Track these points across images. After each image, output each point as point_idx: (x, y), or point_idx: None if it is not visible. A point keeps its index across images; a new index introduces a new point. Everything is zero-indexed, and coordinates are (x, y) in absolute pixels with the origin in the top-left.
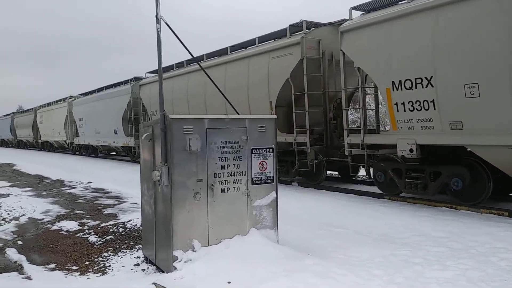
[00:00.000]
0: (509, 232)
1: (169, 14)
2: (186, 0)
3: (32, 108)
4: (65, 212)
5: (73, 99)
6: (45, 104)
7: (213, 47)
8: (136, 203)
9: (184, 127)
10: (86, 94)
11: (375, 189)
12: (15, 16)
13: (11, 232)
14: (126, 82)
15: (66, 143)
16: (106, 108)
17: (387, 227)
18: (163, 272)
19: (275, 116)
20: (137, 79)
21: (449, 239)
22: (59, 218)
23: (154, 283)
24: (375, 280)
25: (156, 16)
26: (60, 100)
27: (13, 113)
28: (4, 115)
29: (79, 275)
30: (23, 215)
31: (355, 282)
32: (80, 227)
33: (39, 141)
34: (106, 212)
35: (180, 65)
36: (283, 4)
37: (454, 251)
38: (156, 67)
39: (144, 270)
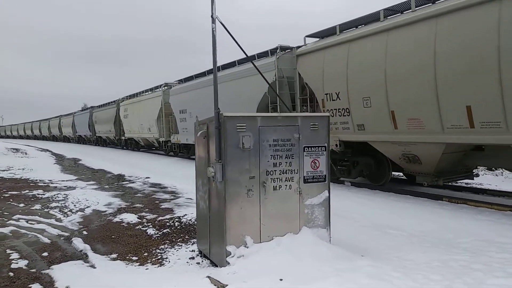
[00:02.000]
0: None
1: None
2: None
3: (114, 101)
4: (125, 205)
5: (169, 87)
6: (130, 96)
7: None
8: (191, 198)
9: (238, 124)
10: (187, 79)
11: (432, 190)
12: (87, 20)
13: (77, 222)
14: (272, 51)
15: (159, 141)
16: (237, 91)
17: (445, 231)
18: (216, 266)
19: (328, 114)
20: (283, 48)
21: None
22: (120, 210)
23: (208, 277)
24: (431, 284)
25: (212, 16)
26: (149, 89)
27: (91, 107)
28: (82, 109)
29: (139, 265)
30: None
31: (410, 286)
32: (139, 220)
33: (122, 138)
34: (163, 207)
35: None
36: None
37: None
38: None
39: (198, 263)
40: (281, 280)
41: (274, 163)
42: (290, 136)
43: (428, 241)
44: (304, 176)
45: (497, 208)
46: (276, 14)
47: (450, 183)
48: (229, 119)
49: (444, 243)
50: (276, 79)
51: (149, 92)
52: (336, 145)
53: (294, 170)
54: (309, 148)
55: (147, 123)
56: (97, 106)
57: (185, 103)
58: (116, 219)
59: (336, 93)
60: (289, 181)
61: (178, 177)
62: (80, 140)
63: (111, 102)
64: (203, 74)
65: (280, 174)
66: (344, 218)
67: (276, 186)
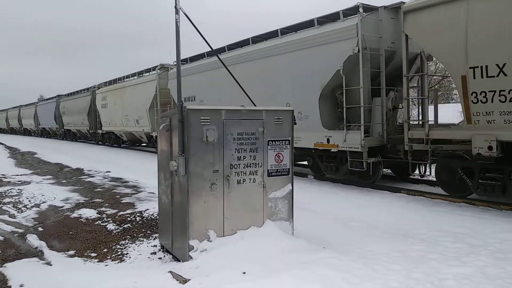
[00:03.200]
0: None
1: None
2: None
3: (88, 88)
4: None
5: (166, 69)
6: (109, 82)
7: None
8: (153, 193)
9: (202, 118)
10: (194, 59)
11: (407, 185)
12: (38, 7)
13: (32, 218)
14: (347, 13)
15: (149, 136)
16: (292, 68)
17: (404, 222)
18: (179, 261)
19: (291, 108)
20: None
21: (468, 235)
22: (78, 205)
23: (170, 272)
24: (391, 274)
25: (175, 7)
26: (138, 73)
27: (58, 95)
28: (47, 99)
29: (98, 262)
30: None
31: (371, 276)
32: (99, 215)
33: (99, 132)
34: (124, 201)
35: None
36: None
37: (473, 248)
38: None
39: (160, 258)
40: (244, 273)
41: (238, 156)
42: (254, 130)
43: (388, 232)
44: (268, 170)
45: (451, 200)
46: None
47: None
48: (192, 112)
49: (403, 234)
50: (359, 50)
51: (137, 77)
52: (490, 147)
53: (258, 163)
54: (273, 141)
55: (135, 114)
56: (65, 95)
57: (192, 88)
58: (74, 215)
59: (497, 65)
60: (253, 174)
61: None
62: (44, 133)
63: (84, 89)
64: (221, 50)
65: (244, 167)
66: (308, 211)
67: (240, 179)
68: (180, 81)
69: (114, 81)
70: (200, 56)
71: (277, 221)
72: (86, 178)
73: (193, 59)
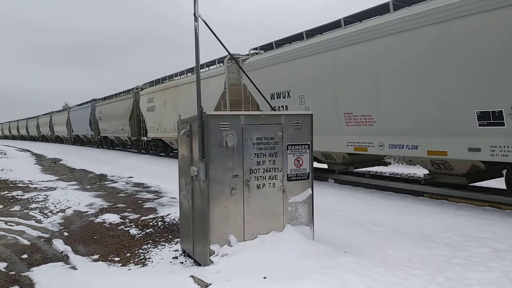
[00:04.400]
0: None
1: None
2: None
3: (130, 90)
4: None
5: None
6: (158, 80)
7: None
8: (174, 198)
9: (221, 123)
10: (280, 44)
11: (407, 186)
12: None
13: (58, 223)
14: None
15: None
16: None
17: (426, 226)
18: (200, 265)
19: (311, 113)
20: None
21: (493, 240)
22: (102, 210)
23: (192, 276)
24: (413, 280)
25: (194, 14)
26: (207, 64)
27: (93, 99)
28: (81, 104)
29: (121, 266)
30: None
31: (392, 281)
32: (122, 220)
33: (143, 139)
34: (146, 206)
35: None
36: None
37: (498, 252)
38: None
39: (182, 263)
40: (264, 278)
41: (257, 161)
42: (273, 135)
43: (410, 237)
44: (287, 174)
45: (477, 204)
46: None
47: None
48: (212, 117)
49: (425, 238)
50: None
51: (191, 74)
52: None
53: (277, 168)
54: (293, 146)
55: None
56: (101, 99)
57: (284, 80)
58: (98, 220)
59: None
60: (273, 179)
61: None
62: (77, 140)
63: (124, 91)
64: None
65: (263, 172)
66: (328, 215)
67: (259, 184)
68: (199, 88)
69: (163, 79)
70: (293, 39)
71: (297, 225)
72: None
73: (279, 43)
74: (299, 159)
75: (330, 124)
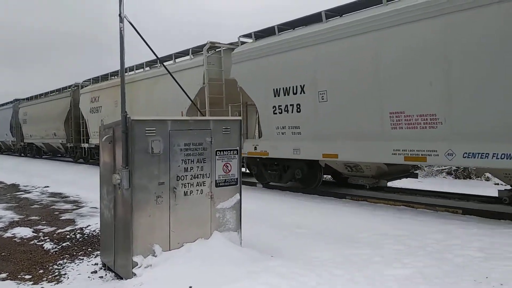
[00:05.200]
0: (462, 229)
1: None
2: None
3: (68, 87)
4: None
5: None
6: (99, 78)
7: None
8: (95, 208)
9: (147, 129)
10: (284, 27)
11: (350, 191)
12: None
13: None
14: None
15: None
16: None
17: (348, 227)
18: (122, 279)
19: (240, 118)
20: None
21: (408, 237)
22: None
23: None
24: (336, 280)
25: (120, 15)
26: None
27: (15, 100)
28: (1, 104)
29: (32, 284)
30: None
31: (317, 282)
32: (35, 234)
33: (84, 146)
34: (63, 218)
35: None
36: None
37: (412, 249)
38: None
39: (101, 277)
40: (190, 287)
41: (185, 167)
42: (202, 140)
43: (333, 238)
44: (216, 180)
45: (393, 204)
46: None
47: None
48: (137, 122)
49: (347, 238)
50: None
51: (155, 66)
52: None
53: (206, 174)
54: (222, 152)
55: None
56: (25, 99)
57: (296, 71)
58: (7, 234)
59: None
60: (201, 185)
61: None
62: None
63: (57, 90)
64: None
65: (191, 179)
66: (256, 220)
67: (187, 191)
68: (124, 88)
69: (112, 75)
70: (300, 23)
71: (225, 232)
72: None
73: (282, 28)
74: (227, 164)
75: (364, 127)
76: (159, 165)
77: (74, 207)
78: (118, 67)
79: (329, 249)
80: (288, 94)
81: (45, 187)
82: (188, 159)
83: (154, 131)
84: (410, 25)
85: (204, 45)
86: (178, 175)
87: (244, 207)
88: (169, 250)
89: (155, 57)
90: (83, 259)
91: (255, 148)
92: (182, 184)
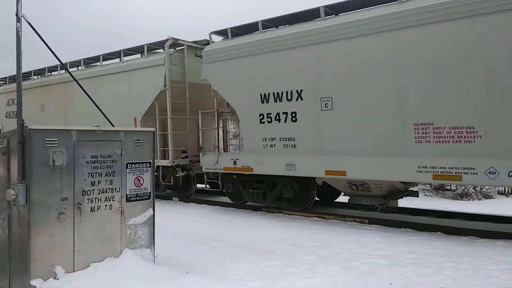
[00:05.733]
0: (368, 238)
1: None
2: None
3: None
4: None
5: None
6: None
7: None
8: None
9: (47, 139)
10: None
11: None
12: None
13: None
14: None
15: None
16: None
17: (264, 239)
18: None
19: (153, 129)
20: None
21: (319, 247)
22: None
23: None
24: None
25: (17, 14)
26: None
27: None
28: None
29: None
30: None
31: None
32: None
33: None
34: None
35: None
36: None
37: (323, 259)
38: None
39: None
40: None
41: (92, 181)
42: (111, 152)
43: (250, 250)
44: (127, 195)
45: (306, 215)
46: None
47: None
48: (36, 132)
49: (263, 250)
50: None
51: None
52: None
53: (115, 188)
54: (133, 164)
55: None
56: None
57: (291, 73)
58: None
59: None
60: (110, 200)
61: None
62: None
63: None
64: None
65: (99, 193)
66: (171, 234)
67: (94, 207)
68: (20, 95)
69: (37, 73)
70: (284, 21)
71: (137, 249)
72: None
73: (267, 25)
74: (139, 178)
75: (380, 141)
76: (62, 179)
77: None
78: (43, 65)
79: (246, 261)
80: (280, 100)
81: None
82: (96, 172)
83: (56, 142)
84: (449, 22)
85: (165, 41)
86: (84, 190)
87: (159, 222)
88: (73, 271)
89: (99, 54)
90: None
91: (235, 163)
92: (89, 199)
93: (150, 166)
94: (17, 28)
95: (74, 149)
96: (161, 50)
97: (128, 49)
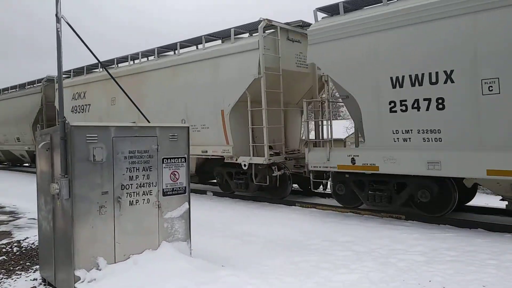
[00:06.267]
0: (406, 234)
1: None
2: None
3: (35, 82)
4: None
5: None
6: (84, 68)
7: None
8: (34, 219)
9: (88, 135)
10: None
11: (296, 197)
12: None
13: None
14: None
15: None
16: None
17: (298, 234)
18: None
19: (187, 125)
20: None
21: (354, 243)
22: None
23: None
24: (285, 287)
25: (56, 15)
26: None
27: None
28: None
29: None
30: None
31: None
32: None
33: None
34: None
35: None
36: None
37: (359, 254)
38: None
39: None
40: None
41: (130, 176)
42: (148, 148)
43: (283, 245)
44: (163, 189)
45: (340, 211)
46: None
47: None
48: (77, 129)
49: (297, 245)
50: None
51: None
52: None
53: (152, 183)
54: (169, 159)
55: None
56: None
57: (420, 55)
58: None
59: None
60: (147, 194)
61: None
62: None
63: (29, 84)
64: None
65: (137, 187)
66: (206, 229)
67: (132, 200)
68: (62, 93)
69: (104, 64)
70: None
71: (173, 242)
72: None
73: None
74: (175, 172)
75: None
76: (102, 173)
77: (11, 218)
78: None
79: (280, 256)
80: (420, 84)
81: None
82: (133, 167)
83: (96, 138)
84: None
85: (255, 23)
86: (123, 184)
87: (194, 216)
88: (115, 262)
89: (175, 42)
90: (20, 274)
91: (353, 160)
92: (127, 193)
93: (185, 161)
94: (57, 29)
95: (113, 145)
96: (244, 35)
97: (209, 35)
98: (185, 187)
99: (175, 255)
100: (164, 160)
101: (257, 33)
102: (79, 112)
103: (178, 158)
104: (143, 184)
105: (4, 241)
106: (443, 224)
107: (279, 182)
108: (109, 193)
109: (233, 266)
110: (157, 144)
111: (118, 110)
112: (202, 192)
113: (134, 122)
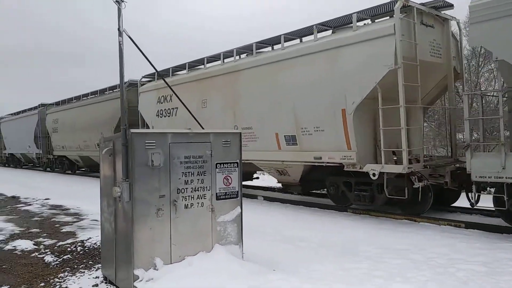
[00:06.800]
0: (465, 243)
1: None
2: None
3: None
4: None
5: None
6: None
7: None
8: (96, 220)
9: (147, 141)
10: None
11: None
12: None
13: None
14: None
15: None
16: None
17: (350, 240)
18: None
19: (239, 131)
20: None
21: (410, 251)
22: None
23: None
24: None
25: (119, 29)
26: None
27: (42, 104)
28: (23, 111)
29: None
30: None
31: None
32: (36, 246)
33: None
34: (64, 230)
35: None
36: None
37: (415, 263)
38: None
39: None
40: None
41: (185, 180)
42: (202, 153)
43: (334, 251)
44: (216, 193)
45: (395, 218)
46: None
47: None
48: (137, 135)
49: (349, 252)
50: None
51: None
52: None
53: (206, 187)
54: (222, 164)
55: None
56: (53, 104)
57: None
58: (8, 247)
59: None
60: (201, 198)
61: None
62: (12, 161)
63: (112, 88)
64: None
65: (192, 191)
66: (257, 233)
67: (187, 204)
68: (123, 102)
69: (190, 66)
70: None
71: (226, 245)
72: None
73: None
74: (228, 177)
75: None
76: (160, 177)
77: (75, 220)
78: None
79: (331, 262)
80: None
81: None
82: (189, 172)
83: (154, 144)
84: None
85: (392, 2)
86: (179, 188)
87: (245, 220)
88: (171, 263)
89: (279, 35)
90: (84, 272)
91: None
92: (183, 197)
93: (238, 166)
94: (119, 42)
95: (169, 150)
96: (366, 22)
97: (321, 24)
98: (238, 191)
99: (228, 258)
100: (218, 165)
101: (382, 19)
102: (165, 116)
103: (231, 163)
104: (198, 188)
105: (69, 241)
106: (506, 233)
107: (421, 195)
108: (166, 197)
109: (284, 271)
110: (211, 150)
111: (210, 113)
112: (253, 196)
113: (189, 129)
